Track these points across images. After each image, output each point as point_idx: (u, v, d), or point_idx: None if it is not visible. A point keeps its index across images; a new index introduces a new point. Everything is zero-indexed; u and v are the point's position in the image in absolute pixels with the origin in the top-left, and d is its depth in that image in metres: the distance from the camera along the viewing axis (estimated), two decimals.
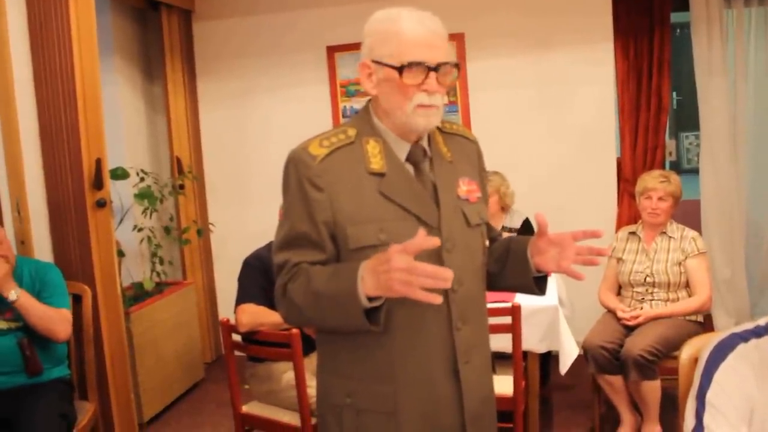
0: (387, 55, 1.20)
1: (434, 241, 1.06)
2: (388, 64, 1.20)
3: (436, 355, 1.24)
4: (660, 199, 2.77)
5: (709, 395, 1.33)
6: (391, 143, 1.25)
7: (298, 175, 1.21)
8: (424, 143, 1.29)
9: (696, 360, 1.43)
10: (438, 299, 1.04)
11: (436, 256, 1.21)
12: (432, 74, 1.19)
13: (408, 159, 1.26)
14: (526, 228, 2.99)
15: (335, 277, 1.15)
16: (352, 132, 1.25)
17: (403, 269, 1.04)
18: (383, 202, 1.21)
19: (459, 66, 1.26)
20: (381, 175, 1.22)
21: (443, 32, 1.22)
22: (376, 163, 1.22)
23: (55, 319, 2.28)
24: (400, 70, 1.18)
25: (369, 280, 1.09)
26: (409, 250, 1.05)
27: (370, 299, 1.11)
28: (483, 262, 1.34)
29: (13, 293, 2.21)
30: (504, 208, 3.07)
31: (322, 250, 1.21)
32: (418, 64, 1.18)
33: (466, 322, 1.27)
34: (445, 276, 1.04)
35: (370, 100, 1.29)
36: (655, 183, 2.78)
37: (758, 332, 1.36)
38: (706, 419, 1.32)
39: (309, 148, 1.22)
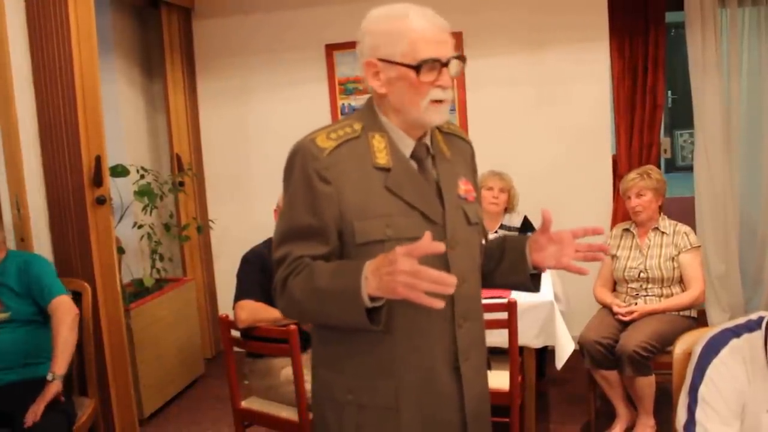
0: (399, 53, 1.18)
1: (439, 247, 1.04)
2: (401, 62, 1.18)
3: (438, 351, 1.24)
4: (638, 195, 2.82)
5: (702, 390, 1.34)
6: (395, 139, 1.24)
7: (305, 166, 1.18)
8: (427, 140, 1.28)
9: (690, 355, 1.44)
10: (441, 304, 1.03)
11: (440, 254, 1.22)
12: (444, 70, 1.19)
13: (412, 155, 1.25)
14: (526, 226, 3.02)
15: (338, 275, 1.13)
16: (357, 126, 1.23)
17: (407, 272, 1.03)
18: (389, 197, 1.20)
19: (465, 59, 1.25)
20: (387, 170, 1.21)
21: (448, 26, 1.22)
22: (382, 157, 1.21)
23: (71, 338, 2.27)
24: (418, 68, 1.17)
25: (372, 281, 1.07)
26: (414, 253, 1.03)
27: (372, 299, 1.10)
28: (480, 260, 1.35)
29: (50, 375, 2.18)
30: (508, 209, 3.11)
31: (326, 243, 1.18)
32: (434, 60, 1.18)
33: (467, 319, 1.27)
34: (449, 282, 1.02)
35: (371, 96, 1.27)
36: (630, 183, 2.86)
37: (750, 327, 1.38)
38: (698, 414, 1.33)
39: (317, 140, 1.19)
